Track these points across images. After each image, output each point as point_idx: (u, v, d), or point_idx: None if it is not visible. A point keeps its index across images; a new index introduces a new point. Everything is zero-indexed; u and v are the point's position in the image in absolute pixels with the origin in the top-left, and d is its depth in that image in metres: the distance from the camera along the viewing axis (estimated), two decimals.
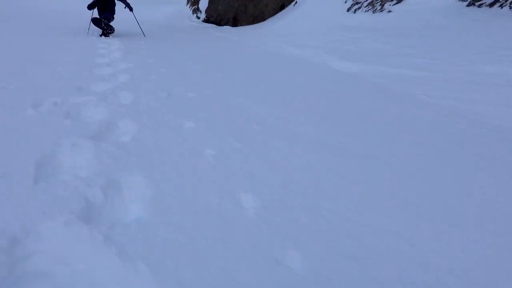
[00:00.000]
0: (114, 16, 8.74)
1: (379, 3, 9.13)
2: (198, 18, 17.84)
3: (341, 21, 8.61)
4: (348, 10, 9.38)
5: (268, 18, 12.96)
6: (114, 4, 8.68)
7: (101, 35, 8.17)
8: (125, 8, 8.78)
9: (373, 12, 9.02)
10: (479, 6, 7.80)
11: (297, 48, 7.30)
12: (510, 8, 7.19)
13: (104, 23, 8.20)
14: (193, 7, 19.51)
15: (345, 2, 9.61)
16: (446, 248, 1.46)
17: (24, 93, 3.09)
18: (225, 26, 14.58)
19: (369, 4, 9.18)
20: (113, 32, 8.45)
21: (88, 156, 2.05)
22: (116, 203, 1.68)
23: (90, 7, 8.61)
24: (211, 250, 1.33)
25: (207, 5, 16.69)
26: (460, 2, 8.25)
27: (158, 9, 25.51)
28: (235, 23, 14.38)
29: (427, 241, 1.49)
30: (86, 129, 2.39)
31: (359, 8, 9.04)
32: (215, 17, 15.81)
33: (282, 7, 12.57)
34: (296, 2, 11.55)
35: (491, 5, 7.62)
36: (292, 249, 1.38)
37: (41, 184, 1.67)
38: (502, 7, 7.37)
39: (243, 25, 13.75)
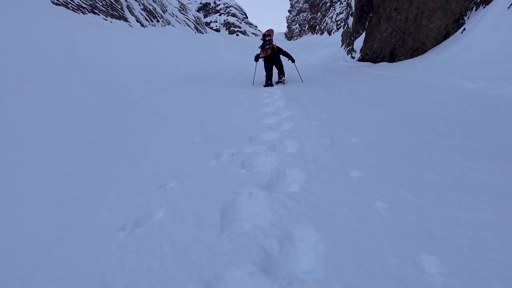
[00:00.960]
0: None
1: None
2: (353, 58, 17.96)
3: None
4: None
5: (429, 49, 12.02)
6: (280, 57, 9.72)
7: (265, 85, 9.07)
8: (288, 60, 9.82)
9: None
10: None
11: (468, 80, 6.44)
12: None
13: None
14: (348, 48, 19.82)
15: None
16: None
17: (207, 145, 3.63)
18: (381, 63, 14.19)
19: None
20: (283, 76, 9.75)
21: (262, 205, 2.22)
22: (291, 254, 1.74)
23: (257, 58, 9.84)
24: None
25: (362, 44, 16.69)
26: None
27: (313, 53, 27.03)
28: (392, 58, 13.85)
29: None
30: (259, 178, 2.61)
31: None
32: (370, 55, 15.60)
33: (446, 36, 11.51)
34: (464, 29, 10.41)
35: None
36: None
37: (226, 233, 1.88)
38: None
39: (401, 60, 13.10)
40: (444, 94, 5.84)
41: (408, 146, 3.16)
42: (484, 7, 10.35)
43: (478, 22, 9.87)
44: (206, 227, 1.94)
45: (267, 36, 9.52)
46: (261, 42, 9.76)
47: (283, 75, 9.72)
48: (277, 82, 9.57)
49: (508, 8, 9.02)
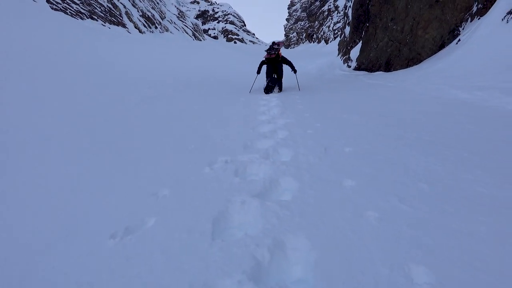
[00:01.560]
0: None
1: None
2: (349, 67, 18.09)
3: None
4: None
5: (425, 59, 12.14)
6: (282, 67, 9.99)
7: (265, 90, 9.27)
8: (291, 71, 10.15)
9: None
10: None
11: (463, 91, 6.49)
12: None
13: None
14: (344, 57, 19.97)
15: None
16: None
17: (201, 152, 3.62)
18: (377, 72, 14.29)
19: None
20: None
21: (255, 214, 2.21)
22: (282, 264, 1.74)
23: (259, 70, 10.09)
24: None
25: (358, 53, 16.83)
26: None
27: (312, 62, 27.23)
28: (387, 68, 13.97)
29: None
30: (252, 186, 2.61)
31: None
32: (366, 64, 15.73)
33: (441, 46, 11.64)
34: (459, 40, 10.52)
35: None
36: None
37: (217, 241, 1.87)
38: None
39: (397, 70, 13.22)
40: (439, 104, 5.89)
41: (402, 155, 3.17)
42: (479, 18, 10.49)
43: (473, 33, 9.99)
44: (198, 235, 1.93)
45: (276, 45, 9.97)
46: (268, 46, 10.16)
47: (280, 88, 9.87)
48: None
49: (502, 19, 9.15)
